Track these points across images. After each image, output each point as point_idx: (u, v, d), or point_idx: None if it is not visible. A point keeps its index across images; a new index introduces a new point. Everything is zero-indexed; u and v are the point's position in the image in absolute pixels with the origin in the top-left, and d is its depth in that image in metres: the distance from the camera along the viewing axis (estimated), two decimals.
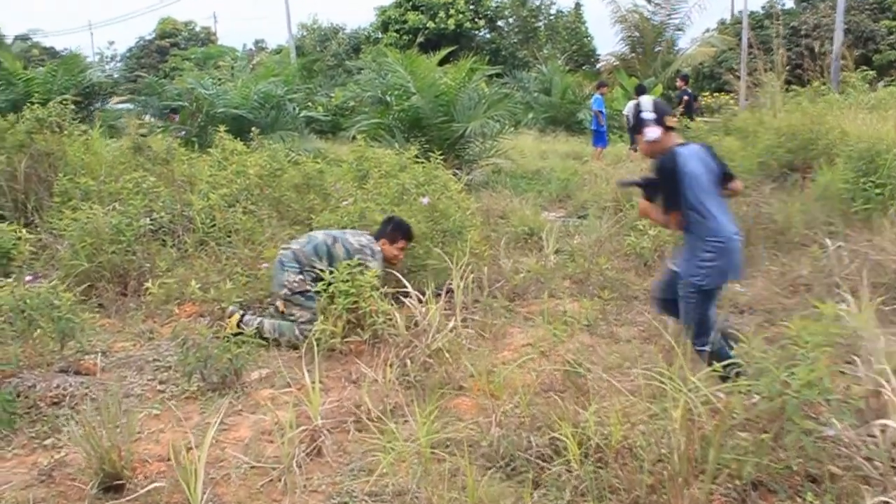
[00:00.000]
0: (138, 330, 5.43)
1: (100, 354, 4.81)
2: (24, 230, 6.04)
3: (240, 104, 14.65)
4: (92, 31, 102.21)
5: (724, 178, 4.20)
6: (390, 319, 4.71)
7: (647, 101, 4.19)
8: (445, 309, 4.94)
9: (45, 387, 4.21)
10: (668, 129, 4.11)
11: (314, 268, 5.19)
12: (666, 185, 4.05)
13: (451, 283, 5.20)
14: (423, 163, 7.31)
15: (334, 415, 3.94)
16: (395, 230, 5.64)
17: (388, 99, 13.52)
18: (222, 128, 9.14)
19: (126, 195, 6.90)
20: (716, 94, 23.25)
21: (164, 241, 6.68)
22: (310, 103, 20.68)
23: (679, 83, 16.29)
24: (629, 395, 3.36)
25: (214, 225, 6.85)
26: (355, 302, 4.82)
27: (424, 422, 3.29)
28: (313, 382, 3.67)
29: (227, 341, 4.40)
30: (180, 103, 15.84)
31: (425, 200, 6.31)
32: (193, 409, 4.13)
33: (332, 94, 23.95)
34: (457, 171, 10.46)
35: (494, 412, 3.59)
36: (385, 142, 12.21)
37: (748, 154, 9.47)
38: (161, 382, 4.48)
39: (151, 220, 6.79)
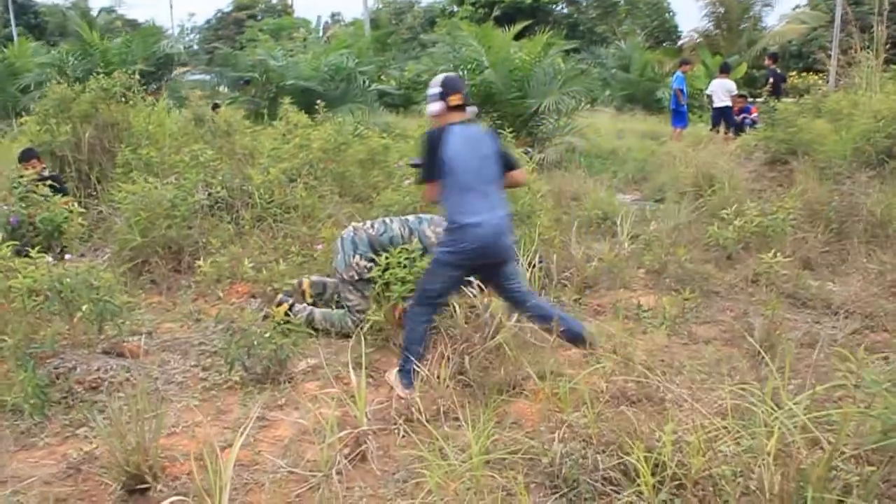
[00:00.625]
0: (187, 310, 5.22)
1: (144, 336, 4.60)
2: (78, 203, 5.89)
3: (309, 76, 14.49)
4: (172, 2, 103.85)
5: (507, 167, 4.19)
6: (448, 309, 4.35)
7: (438, 77, 4.19)
8: None
9: (85, 370, 4.02)
10: (452, 107, 4.06)
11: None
12: (426, 155, 4.04)
13: None
14: None
15: (382, 415, 3.63)
16: None
17: (461, 73, 13.13)
18: (287, 100, 8.91)
19: (183, 168, 6.71)
20: (803, 74, 22.08)
21: (220, 216, 6.46)
22: (382, 77, 20.42)
23: (767, 62, 15.45)
24: (710, 416, 2.94)
25: (273, 200, 6.60)
26: (412, 290, 4.48)
27: (482, 430, 2.96)
28: (360, 380, 3.38)
29: (274, 329, 4.12)
30: (252, 74, 15.77)
31: None
32: (234, 401, 3.87)
33: (406, 68, 23.60)
34: (528, 150, 10.04)
35: (558, 426, 3.21)
36: None
37: (841, 139, 8.77)
38: (204, 369, 4.25)
39: (209, 194, 6.57)
